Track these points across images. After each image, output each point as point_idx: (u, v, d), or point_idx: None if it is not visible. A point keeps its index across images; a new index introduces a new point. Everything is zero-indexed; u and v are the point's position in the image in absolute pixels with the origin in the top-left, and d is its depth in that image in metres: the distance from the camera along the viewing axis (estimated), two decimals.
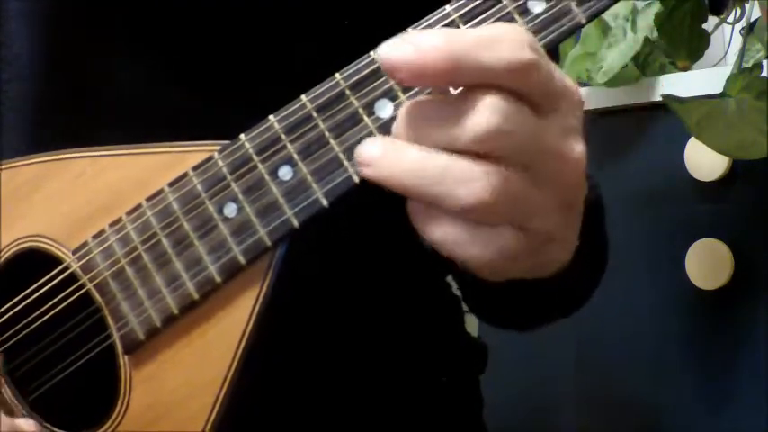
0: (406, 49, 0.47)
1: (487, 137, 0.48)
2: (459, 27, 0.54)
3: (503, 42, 0.48)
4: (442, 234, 0.51)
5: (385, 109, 0.55)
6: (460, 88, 0.49)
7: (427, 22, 0.55)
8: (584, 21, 0.53)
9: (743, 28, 1.29)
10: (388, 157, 0.50)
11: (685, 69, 1.34)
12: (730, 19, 1.31)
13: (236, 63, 0.71)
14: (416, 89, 0.55)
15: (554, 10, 0.53)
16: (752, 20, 1.31)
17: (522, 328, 0.84)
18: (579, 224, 0.57)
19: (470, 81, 0.48)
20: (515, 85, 0.48)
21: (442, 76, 0.48)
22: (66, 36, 0.71)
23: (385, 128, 0.56)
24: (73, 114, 0.70)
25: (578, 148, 0.52)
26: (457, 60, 0.47)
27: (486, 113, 0.48)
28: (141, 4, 0.70)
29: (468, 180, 0.48)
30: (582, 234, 0.58)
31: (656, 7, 1.30)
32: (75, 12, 0.70)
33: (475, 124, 0.48)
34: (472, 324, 0.88)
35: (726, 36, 1.41)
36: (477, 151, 0.48)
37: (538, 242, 0.52)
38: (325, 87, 0.57)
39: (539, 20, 0.54)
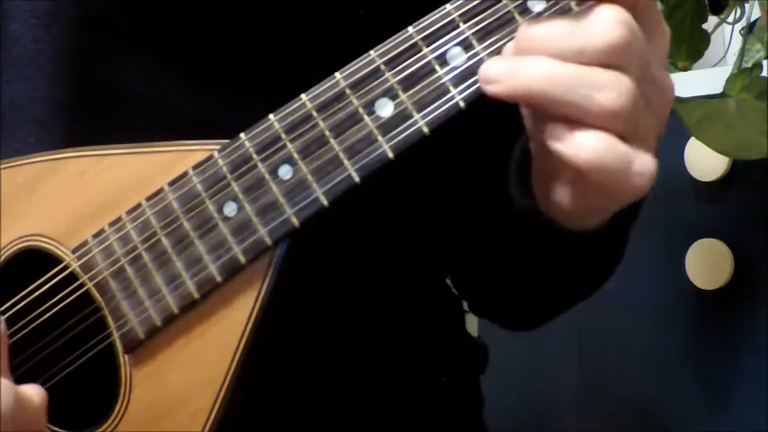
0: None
1: (618, 48, 0.51)
2: (459, 26, 0.54)
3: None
4: (583, 147, 0.52)
5: (385, 108, 0.55)
6: None
7: (428, 21, 0.55)
8: None
9: (743, 28, 1.29)
10: (516, 70, 0.52)
11: (685, 69, 1.33)
12: (730, 19, 1.31)
13: (240, 61, 0.71)
14: (416, 88, 0.55)
15: (554, 9, 0.53)
16: (752, 20, 1.30)
17: (529, 318, 0.84)
18: None
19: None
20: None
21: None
22: (70, 37, 0.70)
23: (385, 127, 0.56)
24: (77, 115, 0.70)
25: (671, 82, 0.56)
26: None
27: (614, 26, 0.51)
28: (146, 5, 0.70)
29: (604, 86, 0.51)
30: None
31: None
32: (78, 12, 0.70)
33: (605, 35, 0.51)
34: (472, 324, 0.88)
35: (726, 36, 1.41)
36: (603, 62, 0.51)
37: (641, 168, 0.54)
38: (325, 86, 0.57)
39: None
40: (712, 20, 1.31)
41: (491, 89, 0.53)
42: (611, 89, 0.51)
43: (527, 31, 0.52)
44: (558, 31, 0.52)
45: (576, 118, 0.52)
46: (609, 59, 0.51)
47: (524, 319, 0.84)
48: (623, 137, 0.52)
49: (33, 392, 0.58)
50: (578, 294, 0.78)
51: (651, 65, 0.53)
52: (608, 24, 0.51)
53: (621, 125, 0.52)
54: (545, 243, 0.66)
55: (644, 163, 0.52)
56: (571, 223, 0.63)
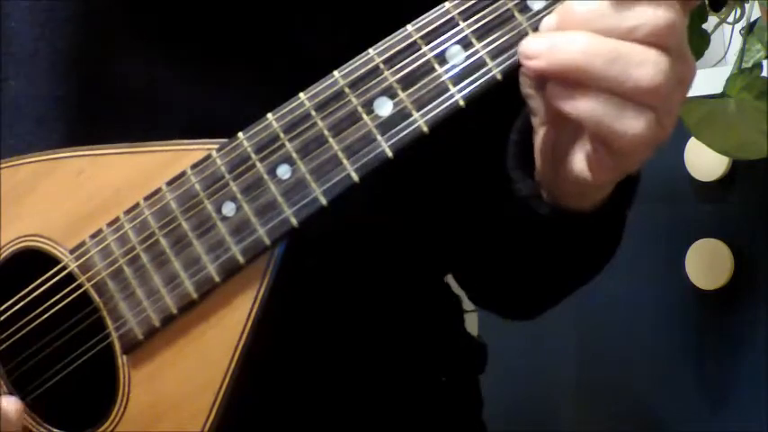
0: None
1: (664, 29, 0.52)
2: (458, 24, 0.54)
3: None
4: (590, 108, 0.53)
5: (384, 107, 0.55)
6: None
7: (427, 19, 0.55)
8: None
9: (743, 28, 1.28)
10: (557, 46, 0.53)
11: None
12: (730, 19, 1.30)
13: (240, 59, 0.70)
14: (415, 87, 0.55)
15: (554, 7, 0.53)
16: (752, 20, 1.30)
17: (529, 306, 0.84)
18: None
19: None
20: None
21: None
22: (68, 34, 0.70)
23: (384, 126, 0.55)
24: (75, 112, 0.70)
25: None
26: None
27: (662, 7, 0.52)
28: (144, 1, 0.70)
29: (642, 64, 0.52)
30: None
31: None
32: (75, 9, 0.70)
33: (658, 18, 0.52)
34: (472, 324, 0.87)
35: (726, 36, 1.41)
36: (645, 41, 0.52)
37: (663, 137, 0.56)
38: (324, 85, 0.56)
39: (539, 17, 0.53)
40: (712, 20, 1.30)
41: (531, 64, 0.53)
42: (648, 67, 0.52)
43: (569, 8, 0.53)
44: (600, 8, 0.52)
45: (611, 92, 0.53)
46: (653, 40, 0.52)
47: (525, 306, 0.83)
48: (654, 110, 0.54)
49: (9, 404, 0.60)
50: (578, 278, 0.78)
51: (685, 43, 0.55)
52: (655, 6, 0.52)
53: (655, 101, 0.53)
54: (544, 226, 0.66)
55: (644, 129, 0.54)
56: (571, 203, 0.64)
